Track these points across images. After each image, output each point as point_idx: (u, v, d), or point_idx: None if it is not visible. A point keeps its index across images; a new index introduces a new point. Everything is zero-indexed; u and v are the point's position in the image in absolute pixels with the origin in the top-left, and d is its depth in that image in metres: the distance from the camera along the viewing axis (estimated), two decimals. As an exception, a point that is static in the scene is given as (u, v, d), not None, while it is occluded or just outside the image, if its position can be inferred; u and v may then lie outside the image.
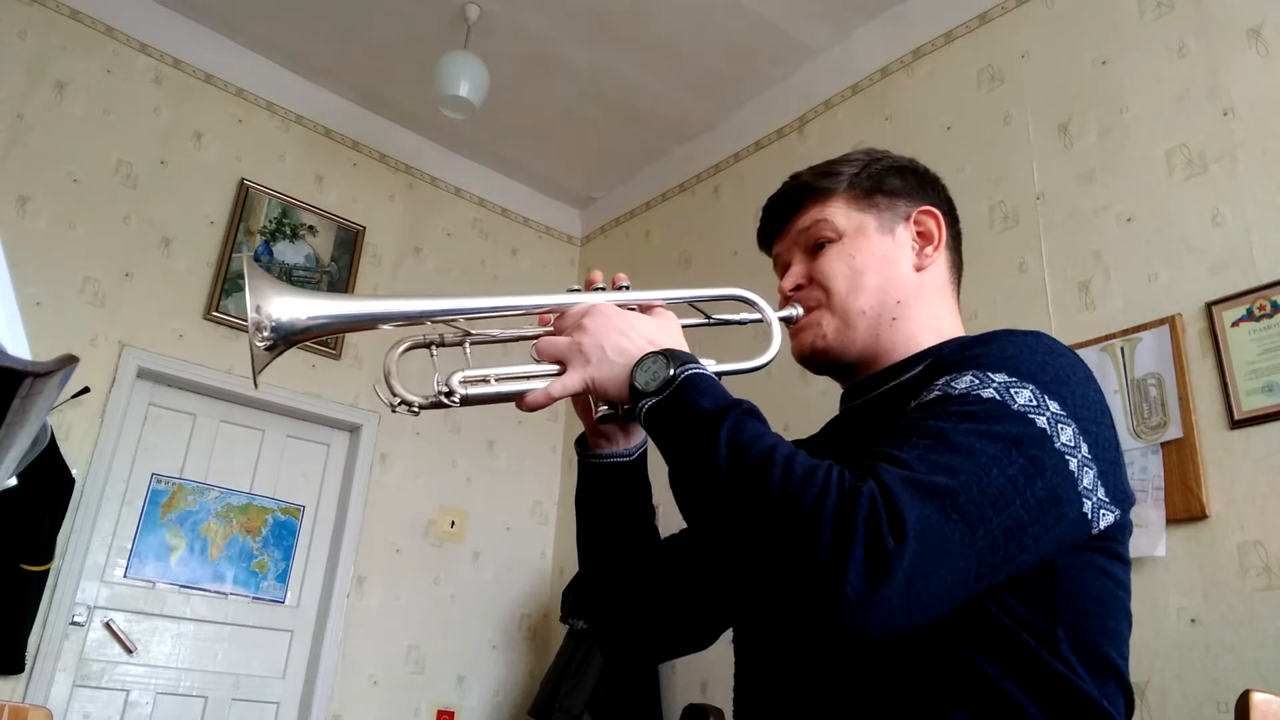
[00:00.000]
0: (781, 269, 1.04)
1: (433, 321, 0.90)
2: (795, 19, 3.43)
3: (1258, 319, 2.18)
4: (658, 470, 0.94)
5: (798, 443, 1.06)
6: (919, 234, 1.00)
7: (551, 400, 0.88)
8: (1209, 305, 2.27)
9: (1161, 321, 2.34)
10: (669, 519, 0.93)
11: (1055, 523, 0.73)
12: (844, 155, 1.04)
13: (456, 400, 0.85)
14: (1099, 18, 2.76)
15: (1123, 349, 2.40)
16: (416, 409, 0.86)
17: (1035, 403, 0.74)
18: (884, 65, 3.42)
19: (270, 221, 3.82)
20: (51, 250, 3.26)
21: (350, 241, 4.02)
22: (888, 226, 0.99)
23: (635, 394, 0.84)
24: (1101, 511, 0.76)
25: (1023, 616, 0.75)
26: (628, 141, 4.25)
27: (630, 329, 0.89)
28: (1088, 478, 0.75)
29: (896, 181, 1.01)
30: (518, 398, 0.88)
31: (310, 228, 3.93)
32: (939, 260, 1.00)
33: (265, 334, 0.78)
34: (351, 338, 3.83)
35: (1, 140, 3.26)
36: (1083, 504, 0.74)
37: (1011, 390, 0.75)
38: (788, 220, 1.03)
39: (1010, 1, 3.04)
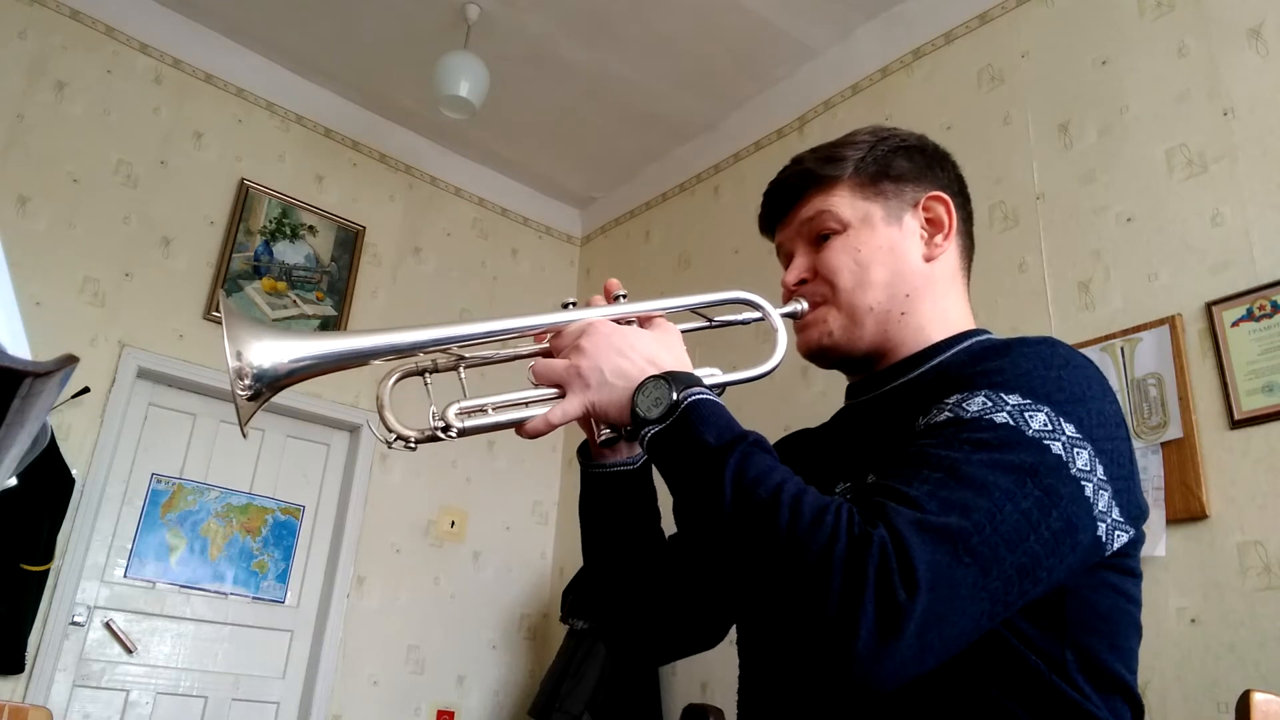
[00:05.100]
0: (785, 258, 1.00)
1: (425, 351, 0.86)
2: (795, 19, 3.43)
3: (1258, 319, 2.17)
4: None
5: (805, 433, 1.06)
6: (928, 221, 0.95)
7: (552, 428, 0.85)
8: (1209, 305, 2.27)
9: (1161, 321, 2.34)
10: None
11: (1070, 551, 0.71)
12: (849, 135, 0.99)
13: (454, 433, 0.82)
14: (1099, 18, 2.76)
15: (1123, 349, 2.40)
16: (413, 444, 0.83)
17: (1050, 426, 0.72)
18: (884, 65, 3.42)
19: (270, 221, 3.82)
20: (51, 250, 3.26)
21: (350, 241, 4.02)
22: (895, 215, 0.94)
23: (637, 420, 0.81)
24: (1116, 533, 0.75)
25: (1032, 638, 0.74)
26: (628, 141, 4.25)
27: (629, 348, 0.85)
28: (1103, 500, 0.73)
29: (904, 164, 0.96)
30: (517, 425, 0.85)
31: (310, 228, 3.93)
32: (949, 248, 0.95)
33: (247, 382, 0.74)
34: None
35: (1, 140, 3.26)
36: (1098, 528, 0.73)
37: (1026, 414, 0.72)
38: (790, 208, 0.98)
39: (1010, 1, 3.04)
